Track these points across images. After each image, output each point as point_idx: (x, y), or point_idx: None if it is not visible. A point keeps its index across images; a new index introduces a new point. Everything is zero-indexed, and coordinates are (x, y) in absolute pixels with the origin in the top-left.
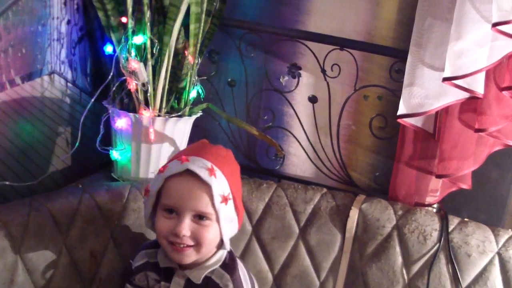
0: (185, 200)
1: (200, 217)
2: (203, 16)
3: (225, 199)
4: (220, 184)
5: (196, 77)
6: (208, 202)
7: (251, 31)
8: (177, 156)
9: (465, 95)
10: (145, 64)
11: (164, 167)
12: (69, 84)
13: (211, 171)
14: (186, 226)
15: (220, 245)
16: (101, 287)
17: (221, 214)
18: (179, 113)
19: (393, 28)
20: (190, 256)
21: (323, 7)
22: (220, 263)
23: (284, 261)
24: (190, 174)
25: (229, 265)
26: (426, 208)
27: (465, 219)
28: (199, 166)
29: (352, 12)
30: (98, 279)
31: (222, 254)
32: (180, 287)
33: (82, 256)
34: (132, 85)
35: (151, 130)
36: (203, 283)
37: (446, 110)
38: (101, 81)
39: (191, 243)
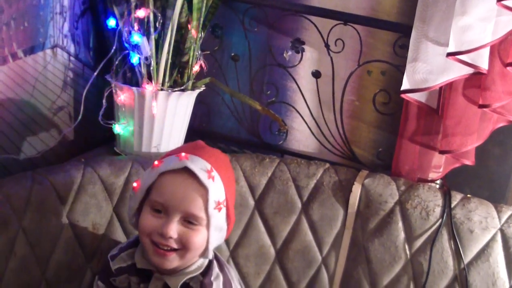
0: (177, 199)
1: (189, 221)
2: None
3: (219, 206)
4: (217, 189)
5: (199, 52)
6: (202, 206)
7: (255, 6)
8: (174, 152)
9: (469, 70)
10: (148, 38)
11: (159, 161)
12: (71, 58)
13: (209, 174)
14: (174, 228)
15: (203, 253)
16: (102, 260)
17: (212, 221)
18: (182, 87)
19: (397, 3)
20: (173, 262)
21: None
22: (200, 271)
23: (287, 236)
24: (188, 173)
25: (206, 272)
26: (429, 184)
27: (468, 195)
28: (198, 167)
29: None
30: (99, 253)
31: (203, 262)
32: None
33: (84, 229)
34: (135, 59)
35: (153, 104)
36: None
37: (450, 86)
38: (104, 55)
39: (176, 246)
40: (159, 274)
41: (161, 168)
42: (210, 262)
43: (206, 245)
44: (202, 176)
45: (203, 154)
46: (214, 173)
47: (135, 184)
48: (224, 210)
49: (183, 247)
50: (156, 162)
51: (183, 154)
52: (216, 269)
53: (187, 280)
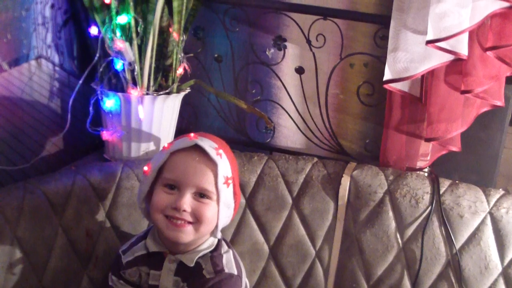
0: (190, 175)
1: (201, 195)
2: None
3: (227, 181)
4: (224, 165)
5: (182, 54)
6: (212, 181)
7: (234, 6)
8: (182, 136)
9: (450, 57)
10: (131, 44)
11: (169, 144)
12: (56, 68)
13: (217, 151)
14: (188, 201)
15: (213, 230)
16: (98, 265)
17: (221, 196)
18: (167, 91)
19: None
20: (189, 235)
21: None
22: (210, 249)
23: (279, 232)
24: (198, 150)
25: (215, 250)
26: (417, 172)
27: (456, 181)
28: (207, 144)
29: None
30: (94, 258)
31: (214, 241)
32: (172, 272)
33: (78, 235)
34: (119, 65)
35: (140, 108)
36: (193, 267)
37: (431, 73)
38: (88, 63)
39: (191, 219)
40: (172, 255)
41: (172, 148)
42: (219, 241)
43: (216, 221)
44: (212, 152)
45: (209, 137)
46: (221, 151)
47: (146, 168)
48: (231, 186)
49: (197, 220)
50: (166, 145)
51: (192, 134)
52: (225, 246)
53: (198, 259)
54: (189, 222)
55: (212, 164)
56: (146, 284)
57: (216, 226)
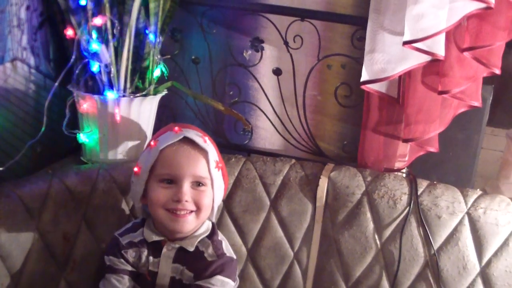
0: (184, 166)
1: (197, 183)
2: None
3: (218, 165)
4: (213, 150)
5: (159, 56)
6: (206, 167)
7: (212, 7)
8: (162, 131)
9: (427, 58)
10: (107, 46)
11: (155, 141)
12: (32, 70)
13: (204, 139)
14: (188, 192)
15: (210, 213)
16: (76, 269)
17: (215, 180)
18: (143, 93)
19: None
20: (191, 223)
21: None
22: (207, 233)
23: (257, 234)
24: (186, 142)
25: (211, 233)
26: (395, 173)
27: (434, 182)
28: (194, 134)
29: None
30: (72, 261)
31: (209, 224)
32: (170, 259)
33: (55, 239)
34: (95, 67)
35: (116, 111)
36: (193, 252)
37: (409, 74)
38: (64, 65)
39: (193, 208)
40: (170, 242)
41: (160, 145)
42: (213, 225)
43: (212, 205)
44: (200, 141)
45: (189, 127)
46: (206, 138)
47: (136, 169)
48: (220, 170)
49: (198, 208)
50: (152, 143)
51: (176, 128)
52: (219, 232)
53: (197, 243)
54: (191, 211)
55: (203, 152)
56: (145, 268)
57: (212, 209)
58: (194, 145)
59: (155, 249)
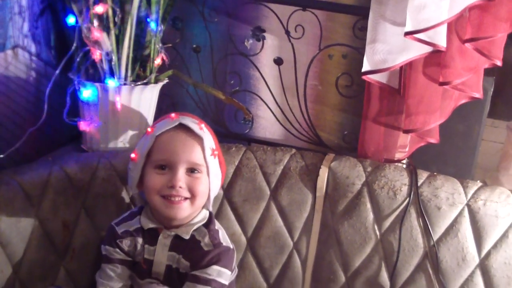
0: (179, 153)
1: (192, 170)
2: None
3: (213, 153)
4: (209, 138)
5: (160, 44)
6: (201, 154)
7: None
8: (163, 118)
9: (428, 49)
10: (108, 34)
11: (152, 128)
12: (33, 58)
13: (200, 126)
14: (182, 178)
15: (206, 202)
16: (75, 257)
17: (210, 167)
18: (144, 81)
19: None
20: (186, 210)
21: None
22: (203, 222)
23: (257, 223)
24: (182, 128)
25: (208, 222)
26: (395, 163)
27: (434, 173)
28: (190, 121)
29: None
30: (71, 249)
31: (206, 213)
32: (166, 247)
33: (55, 227)
34: (96, 55)
35: (117, 99)
36: (188, 240)
37: (410, 65)
38: (65, 53)
39: (187, 194)
40: (166, 230)
41: (157, 131)
42: (211, 214)
43: (208, 193)
44: (195, 127)
45: (187, 114)
46: (203, 125)
47: (133, 155)
48: (217, 157)
49: (192, 195)
50: (149, 129)
51: (172, 115)
52: (216, 222)
53: (193, 232)
54: (185, 198)
55: (198, 139)
56: (140, 256)
57: (208, 197)
58: (189, 131)
59: (152, 237)
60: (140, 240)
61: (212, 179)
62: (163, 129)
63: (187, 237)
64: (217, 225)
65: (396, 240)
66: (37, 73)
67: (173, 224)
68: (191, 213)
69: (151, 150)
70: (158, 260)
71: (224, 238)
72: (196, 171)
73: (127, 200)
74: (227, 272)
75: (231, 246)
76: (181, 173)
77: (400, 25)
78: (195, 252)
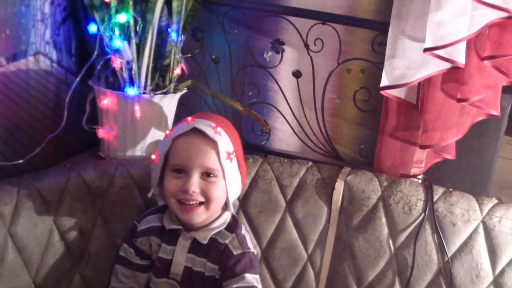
0: (193, 157)
1: (207, 174)
2: None
3: (230, 156)
4: (224, 141)
5: (180, 55)
6: (215, 158)
7: (233, 8)
8: (181, 121)
9: (447, 65)
10: (129, 43)
11: (170, 131)
12: (54, 65)
13: (215, 130)
14: (195, 183)
15: (225, 207)
16: (90, 263)
17: (226, 171)
18: (164, 90)
19: (374, 1)
20: (201, 215)
21: None
22: (225, 226)
23: (272, 235)
24: (197, 132)
25: (232, 226)
26: (411, 179)
27: (450, 189)
28: (204, 125)
29: None
30: (87, 255)
31: (227, 216)
32: (186, 249)
33: (71, 233)
34: (117, 63)
35: (136, 107)
36: (208, 244)
37: (428, 81)
38: (86, 60)
39: (201, 199)
40: (187, 232)
41: (173, 135)
42: (234, 217)
43: (226, 196)
44: (209, 132)
45: (206, 117)
46: (219, 129)
47: (153, 156)
48: (235, 160)
49: (207, 199)
50: (167, 132)
51: (189, 118)
52: (243, 226)
53: (214, 235)
54: (201, 203)
55: (212, 143)
56: (155, 255)
57: (227, 201)
58: (203, 135)
59: (171, 236)
60: (155, 240)
61: (229, 182)
62: (179, 132)
63: (204, 242)
64: (243, 229)
65: (410, 255)
66: (57, 80)
67: (193, 226)
68: (207, 217)
69: (168, 153)
70: (176, 261)
71: (250, 243)
72: (211, 175)
73: (143, 208)
74: (258, 278)
75: (256, 252)
76: (195, 177)
77: (419, 41)
78: (224, 255)
